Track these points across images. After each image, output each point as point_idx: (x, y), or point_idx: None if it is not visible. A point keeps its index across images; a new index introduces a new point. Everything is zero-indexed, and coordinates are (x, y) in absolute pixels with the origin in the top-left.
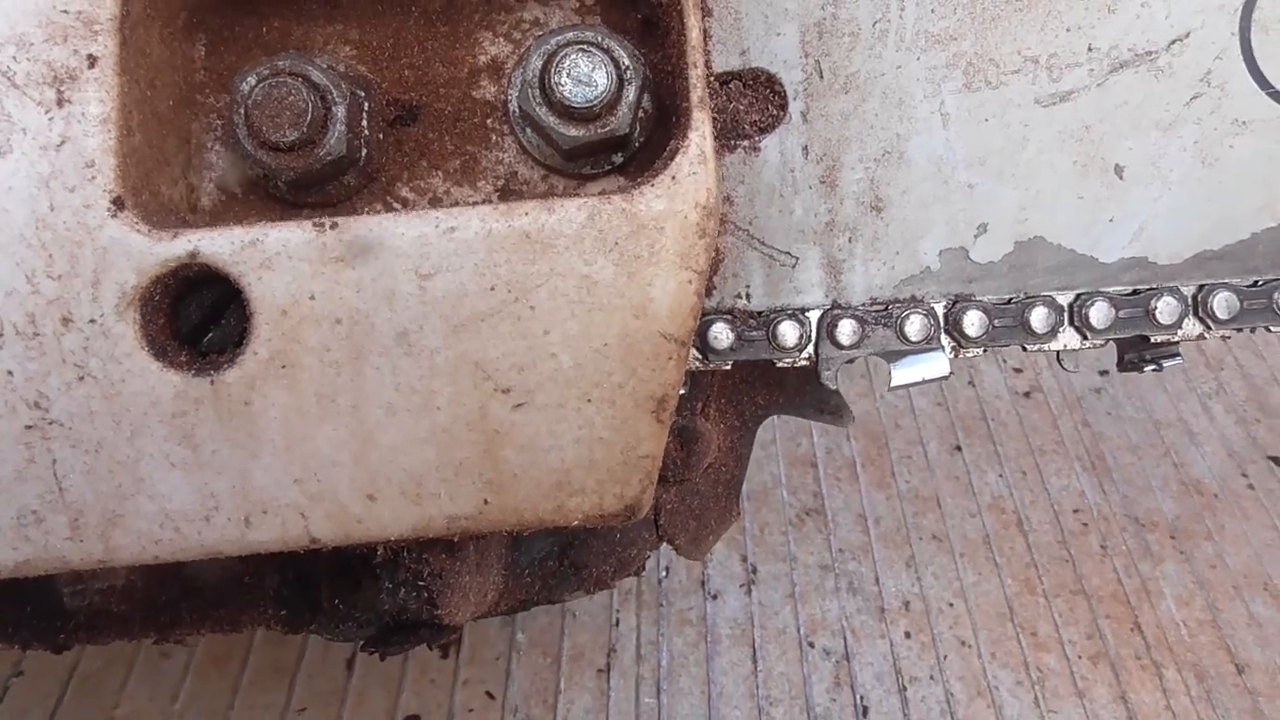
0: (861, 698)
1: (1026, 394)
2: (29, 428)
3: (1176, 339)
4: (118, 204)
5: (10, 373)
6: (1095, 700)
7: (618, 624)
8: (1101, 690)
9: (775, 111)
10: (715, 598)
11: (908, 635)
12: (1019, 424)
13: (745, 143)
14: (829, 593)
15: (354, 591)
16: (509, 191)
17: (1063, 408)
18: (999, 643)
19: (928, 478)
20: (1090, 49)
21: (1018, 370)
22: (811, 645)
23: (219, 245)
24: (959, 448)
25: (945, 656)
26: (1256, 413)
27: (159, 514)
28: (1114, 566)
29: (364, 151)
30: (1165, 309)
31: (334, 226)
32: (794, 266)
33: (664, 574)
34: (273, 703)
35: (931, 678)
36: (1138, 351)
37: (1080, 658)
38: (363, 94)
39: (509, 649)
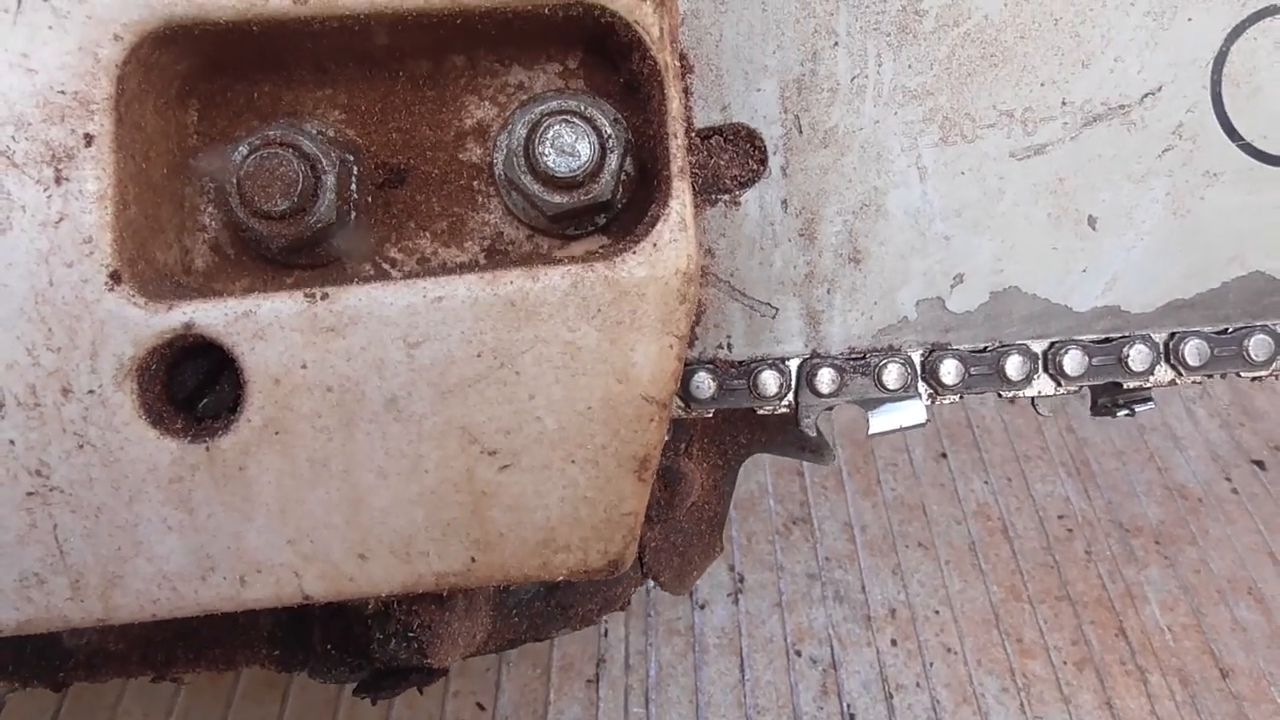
0: (848, 706)
1: (1011, 400)
2: (31, 494)
3: (1149, 385)
4: (114, 278)
5: (12, 442)
6: (1080, 706)
7: (606, 634)
8: (1087, 696)
9: (756, 166)
10: (703, 607)
11: (894, 643)
12: (1004, 430)
13: (726, 197)
14: (816, 601)
15: (345, 637)
16: (495, 251)
17: (1048, 414)
18: (984, 649)
19: (913, 485)
20: (1064, 103)
21: None
22: (799, 654)
23: (213, 316)
24: (944, 455)
25: (931, 664)
26: (1240, 416)
27: (157, 575)
28: (1099, 572)
29: (353, 215)
30: (1137, 356)
31: (324, 297)
32: (774, 317)
33: (651, 584)
34: (266, 716)
35: (918, 685)
36: (1111, 397)
37: (1065, 664)
38: (351, 158)
39: (499, 660)
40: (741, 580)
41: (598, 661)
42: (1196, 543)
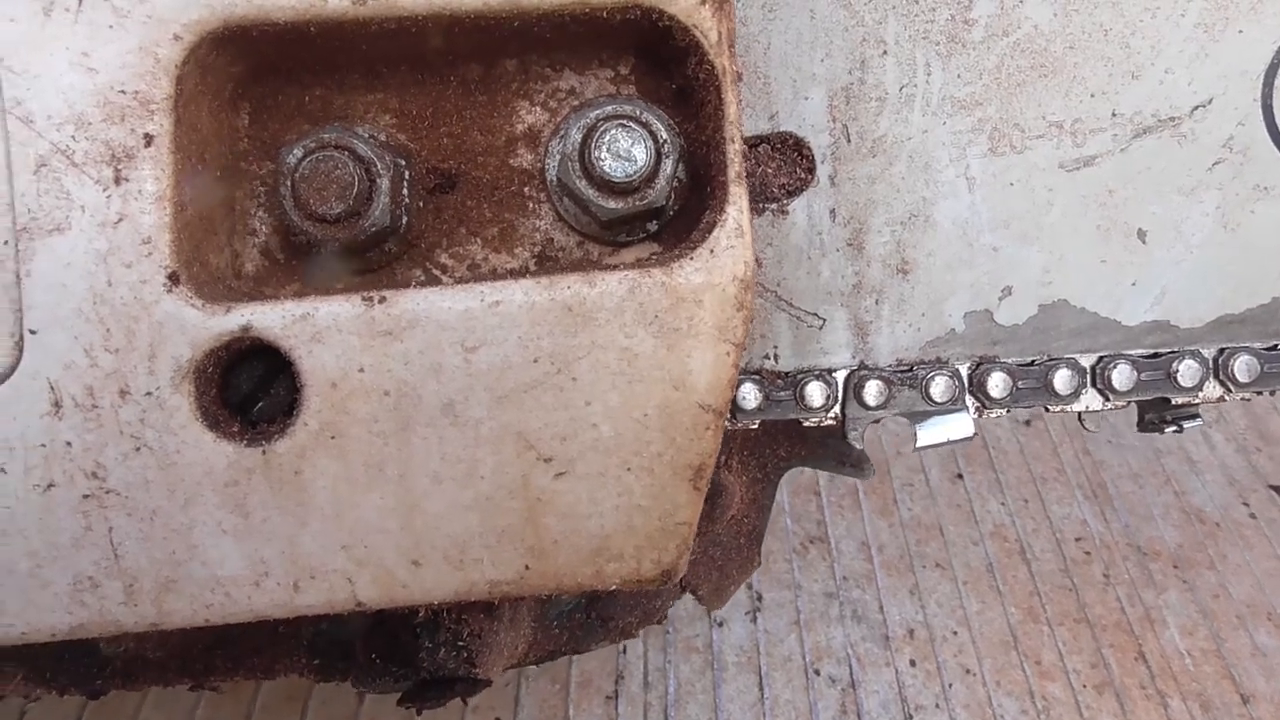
0: None
1: (1027, 422)
2: (86, 497)
3: (1197, 401)
4: (173, 279)
5: (69, 444)
6: None
7: (625, 651)
8: None
9: (803, 175)
10: (721, 625)
11: (913, 663)
12: (1020, 452)
13: (774, 205)
14: (834, 620)
15: (391, 646)
16: (545, 258)
17: (1063, 435)
18: (1003, 671)
19: (930, 505)
20: (1114, 114)
21: None
22: (817, 673)
23: (271, 319)
24: (960, 476)
25: (950, 685)
26: (1257, 441)
27: (210, 579)
28: (1117, 595)
29: (405, 220)
30: (1187, 372)
31: (382, 301)
32: (821, 328)
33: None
34: None
35: (937, 706)
36: (1158, 413)
37: (1085, 687)
38: (403, 163)
39: (518, 676)
40: (759, 599)
41: (616, 678)
42: (1215, 567)
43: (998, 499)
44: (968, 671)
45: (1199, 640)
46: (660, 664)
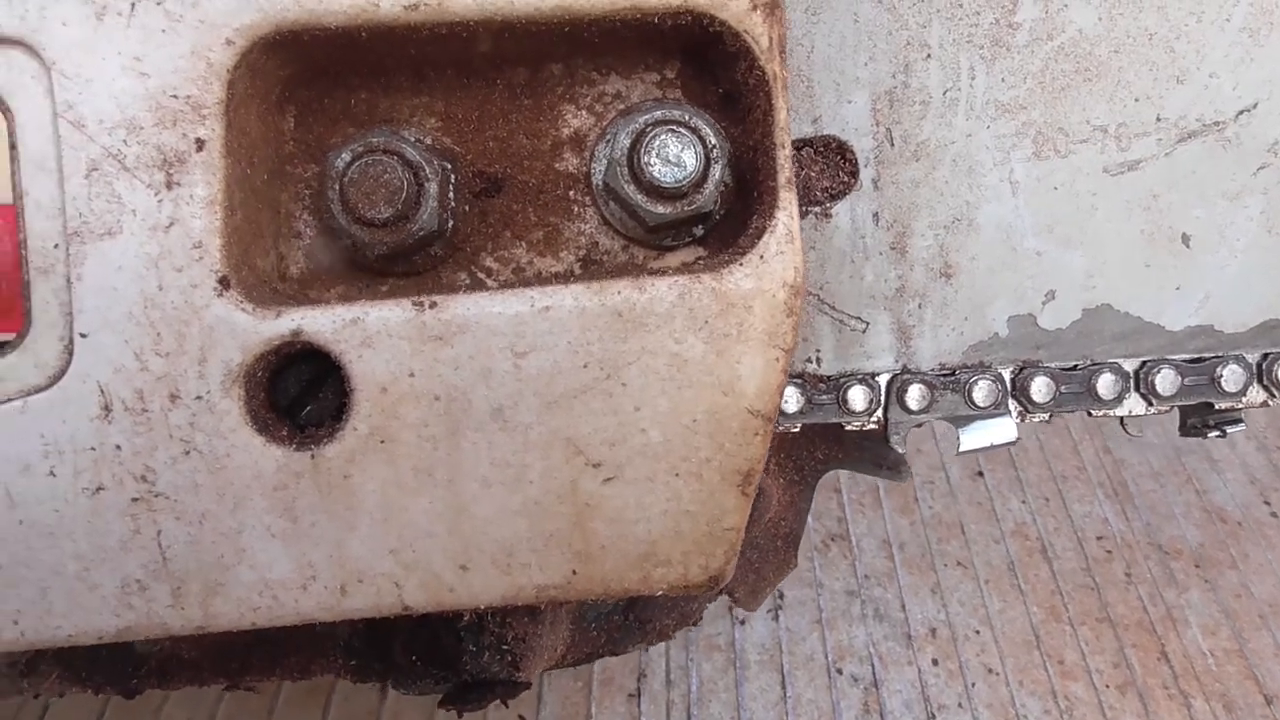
0: None
1: (1048, 419)
2: (135, 500)
3: (1240, 406)
4: (223, 283)
5: (119, 447)
6: None
7: (647, 649)
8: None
9: (846, 178)
10: (743, 623)
11: (935, 662)
12: (1040, 450)
13: (817, 209)
14: (856, 619)
15: (432, 649)
16: (590, 262)
17: (1083, 433)
18: (1026, 670)
19: (950, 503)
20: (1159, 119)
21: None
22: (840, 671)
23: (321, 324)
24: (980, 473)
25: (973, 684)
26: (1278, 440)
27: (258, 583)
28: (1139, 594)
29: (451, 223)
30: (1231, 377)
31: (433, 306)
32: (864, 331)
33: None
34: None
35: (960, 705)
36: (1201, 417)
37: (1108, 687)
38: (450, 167)
39: (541, 673)
40: (781, 596)
41: (639, 676)
42: (1237, 566)
43: (1018, 497)
44: (990, 671)
45: (1221, 640)
46: (683, 662)
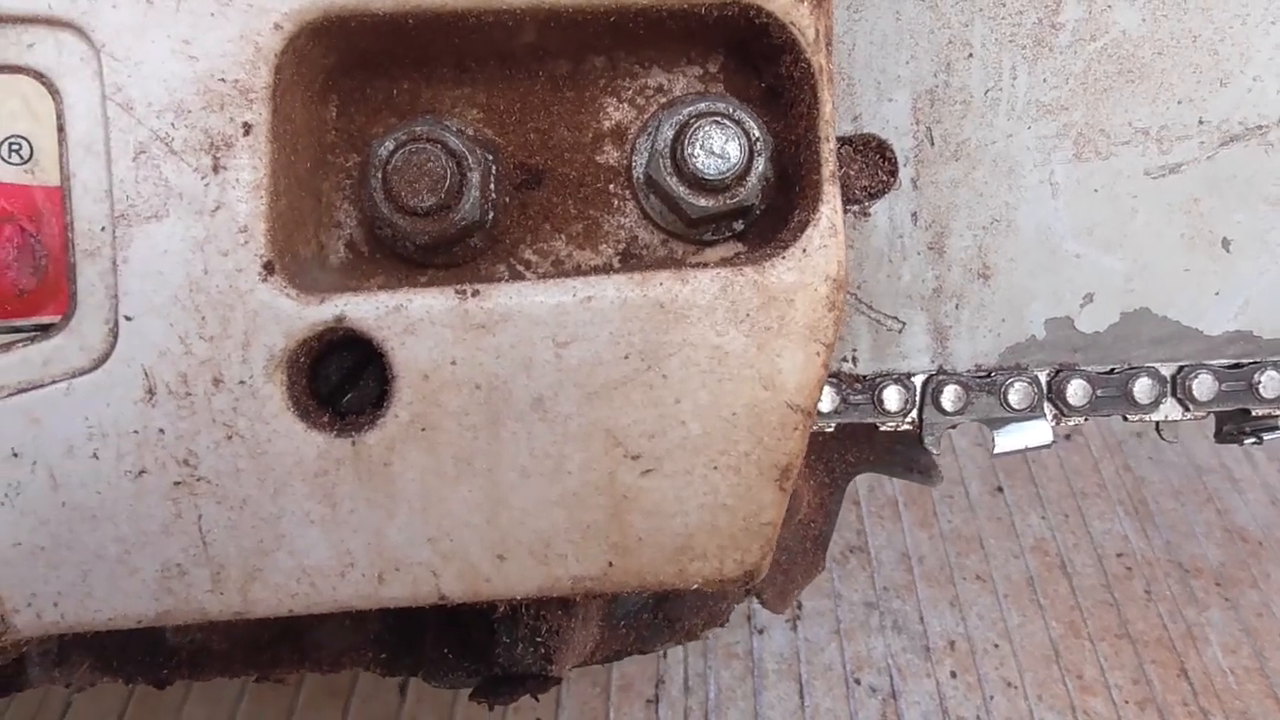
0: None
1: (1067, 437)
2: (178, 484)
3: (1279, 413)
4: (268, 268)
5: (162, 430)
6: None
7: (665, 656)
8: None
9: (885, 177)
10: (761, 632)
11: (954, 675)
12: (1060, 467)
13: (855, 208)
14: (874, 630)
15: (463, 641)
16: (629, 255)
17: (1104, 451)
18: (1045, 685)
19: (970, 518)
20: (1201, 122)
21: None
22: (858, 682)
23: (364, 310)
24: (1000, 489)
25: (992, 697)
26: None
27: (297, 569)
28: (1159, 612)
29: (492, 214)
30: (1269, 383)
31: (475, 294)
32: (900, 331)
33: None
34: None
35: (978, 718)
36: (1237, 424)
37: (1127, 703)
38: (491, 158)
39: (569, 670)
40: (799, 607)
41: (657, 683)
42: (1258, 586)
43: (1038, 513)
44: (1009, 684)
45: (1242, 658)
46: (700, 669)
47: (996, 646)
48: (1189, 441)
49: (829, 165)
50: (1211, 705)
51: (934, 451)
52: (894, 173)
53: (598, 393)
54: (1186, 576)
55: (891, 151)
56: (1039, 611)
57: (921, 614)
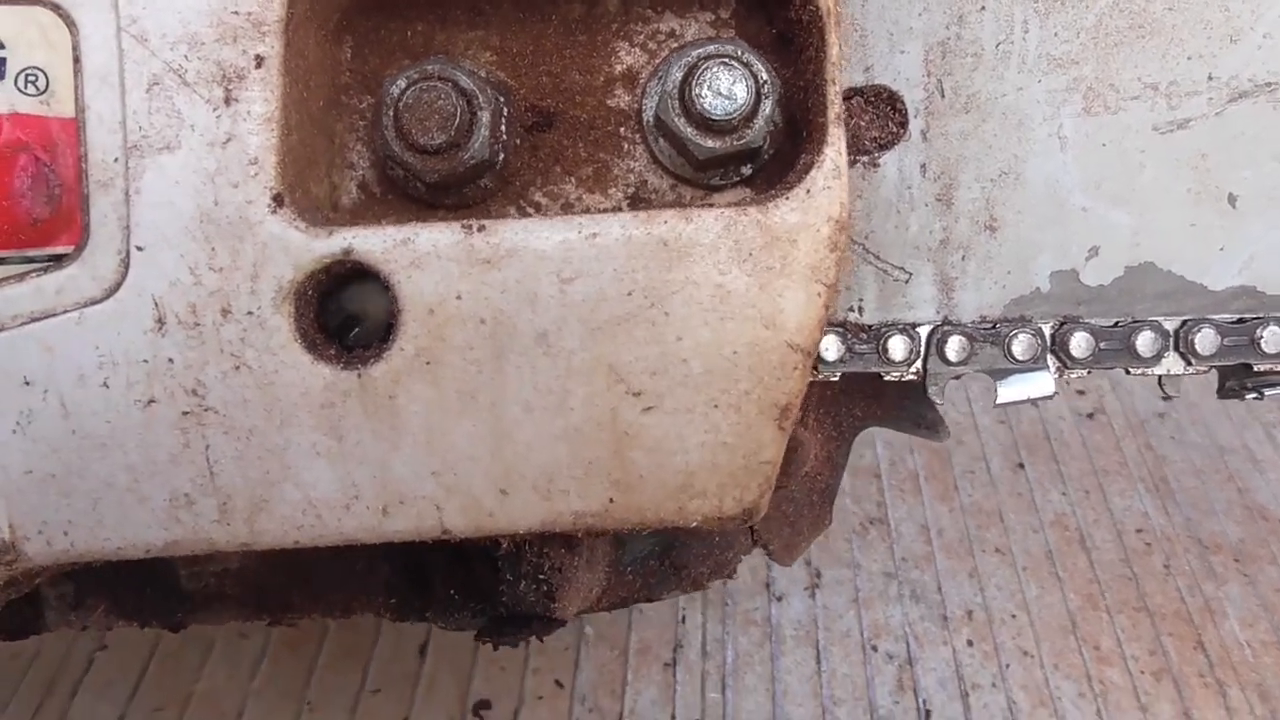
0: (924, 701)
1: (1090, 415)
2: (186, 414)
3: None
4: (277, 200)
5: (171, 360)
6: (1158, 716)
7: (683, 620)
8: (1164, 706)
9: (895, 129)
10: (780, 600)
11: (970, 643)
12: (1082, 444)
13: (865, 158)
14: (892, 599)
15: (469, 582)
16: (638, 199)
17: (1126, 430)
18: (1061, 655)
19: (990, 493)
20: (1210, 78)
21: (1080, 392)
22: (875, 649)
23: (371, 243)
24: (1021, 465)
25: (1008, 665)
26: None
27: (303, 501)
28: (1177, 586)
29: (502, 156)
30: (1271, 338)
31: (481, 229)
32: (907, 282)
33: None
34: (347, 684)
35: (994, 685)
36: (1239, 379)
37: (1143, 673)
38: (503, 99)
39: (578, 640)
40: (818, 575)
41: (675, 646)
42: (1277, 562)
43: (1059, 489)
44: (1025, 653)
45: (1259, 632)
46: (719, 635)
47: (1014, 617)
48: (1211, 422)
49: (834, 107)
50: (1228, 677)
51: (938, 402)
52: (904, 124)
53: (601, 329)
54: (1205, 553)
55: (902, 103)
56: (1057, 584)
57: (940, 584)
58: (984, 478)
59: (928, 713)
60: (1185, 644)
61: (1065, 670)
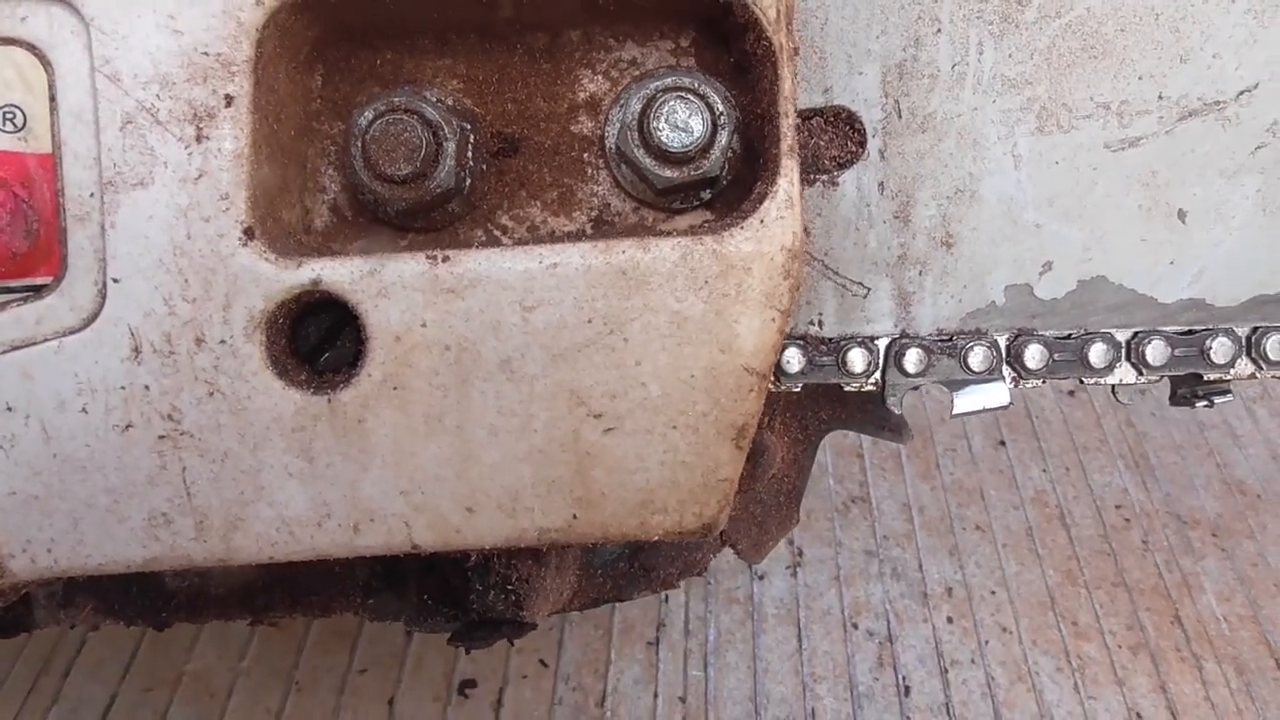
0: (904, 678)
1: (1071, 393)
2: (162, 437)
3: (1229, 378)
4: (248, 234)
5: (147, 387)
6: (1135, 689)
7: (666, 600)
8: (1141, 680)
9: (854, 148)
10: (762, 578)
11: (950, 620)
12: (1063, 421)
13: (824, 177)
14: (873, 577)
15: (443, 589)
16: (602, 222)
17: (1106, 407)
18: (1040, 630)
19: (972, 470)
20: (1160, 97)
21: None
22: (855, 626)
23: (340, 274)
24: (1003, 443)
25: (987, 642)
26: None
27: (276, 519)
28: (1155, 561)
29: (469, 181)
30: (1220, 349)
31: (446, 260)
32: (865, 297)
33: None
34: (335, 664)
35: (973, 661)
36: (1190, 388)
37: (1120, 648)
38: (469, 127)
39: (562, 621)
40: (800, 554)
41: (658, 625)
42: (1254, 537)
43: (1039, 466)
44: (1004, 630)
45: (1236, 606)
46: (701, 613)
47: (993, 593)
48: None
49: (787, 140)
50: (1204, 651)
51: (896, 411)
52: (863, 144)
53: (562, 355)
54: (1184, 528)
55: (860, 123)
56: (1036, 560)
57: (920, 562)
58: (965, 456)
59: (907, 689)
60: (1163, 619)
61: (1043, 646)
